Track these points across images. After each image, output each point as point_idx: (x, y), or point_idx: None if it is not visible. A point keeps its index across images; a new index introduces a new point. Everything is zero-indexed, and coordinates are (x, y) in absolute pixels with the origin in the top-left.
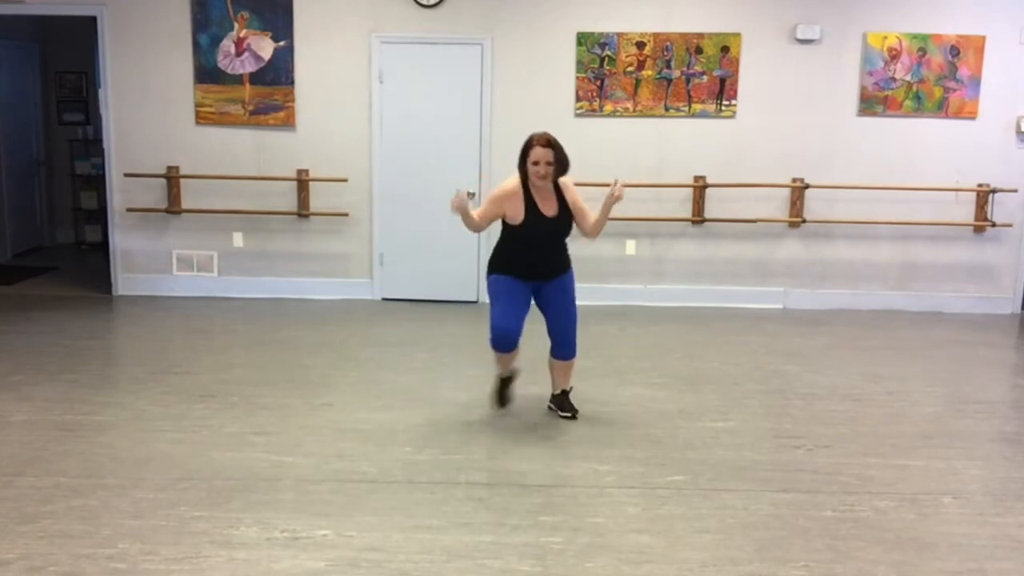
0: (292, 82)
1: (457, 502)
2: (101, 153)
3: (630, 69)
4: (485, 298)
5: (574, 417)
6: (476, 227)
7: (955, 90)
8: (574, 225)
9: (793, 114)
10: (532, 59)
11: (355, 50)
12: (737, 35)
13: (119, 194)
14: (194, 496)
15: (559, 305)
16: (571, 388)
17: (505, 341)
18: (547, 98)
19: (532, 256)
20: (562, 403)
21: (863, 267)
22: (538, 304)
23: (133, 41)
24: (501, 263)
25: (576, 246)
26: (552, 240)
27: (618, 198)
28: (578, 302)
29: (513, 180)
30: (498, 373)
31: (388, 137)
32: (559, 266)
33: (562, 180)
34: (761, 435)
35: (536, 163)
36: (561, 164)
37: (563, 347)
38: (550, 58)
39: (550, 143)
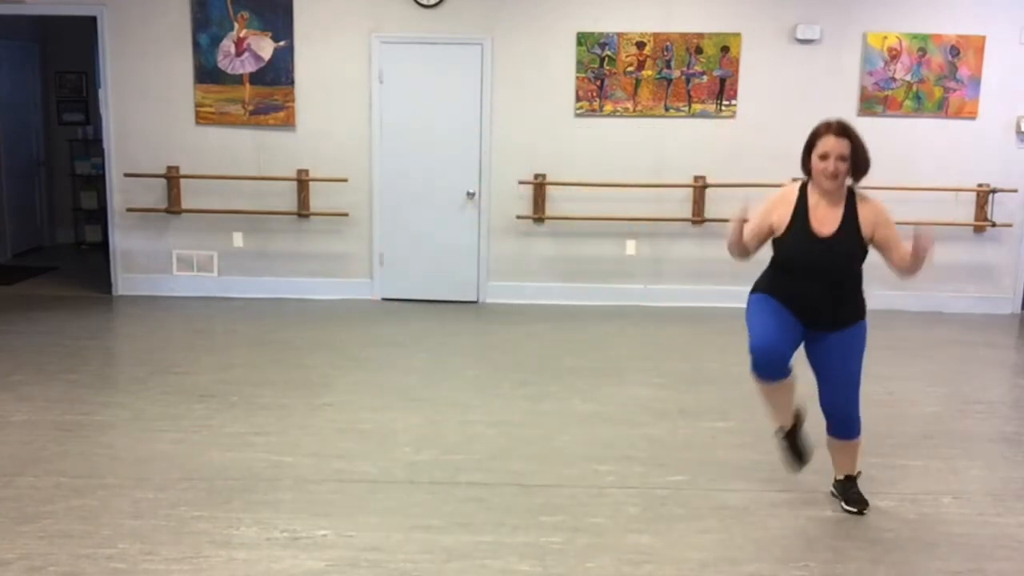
0: (292, 82)
1: (457, 502)
2: (101, 153)
3: (630, 69)
4: (485, 298)
5: (861, 512)
6: (741, 247)
7: (955, 90)
8: (875, 256)
9: (793, 114)
10: (532, 59)
11: (355, 50)
12: (737, 35)
13: (119, 194)
14: (194, 496)
15: (835, 366)
16: (859, 473)
17: (767, 360)
18: (547, 98)
19: (799, 289)
20: (846, 492)
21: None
22: (809, 358)
23: (133, 41)
24: (766, 285)
25: (577, 245)
26: (825, 271)
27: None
28: (579, 302)
29: (792, 185)
30: (776, 428)
31: (388, 137)
32: (842, 314)
33: (863, 194)
34: (761, 435)
35: (825, 156)
36: (861, 161)
37: (838, 423)
38: (550, 58)
39: (845, 131)
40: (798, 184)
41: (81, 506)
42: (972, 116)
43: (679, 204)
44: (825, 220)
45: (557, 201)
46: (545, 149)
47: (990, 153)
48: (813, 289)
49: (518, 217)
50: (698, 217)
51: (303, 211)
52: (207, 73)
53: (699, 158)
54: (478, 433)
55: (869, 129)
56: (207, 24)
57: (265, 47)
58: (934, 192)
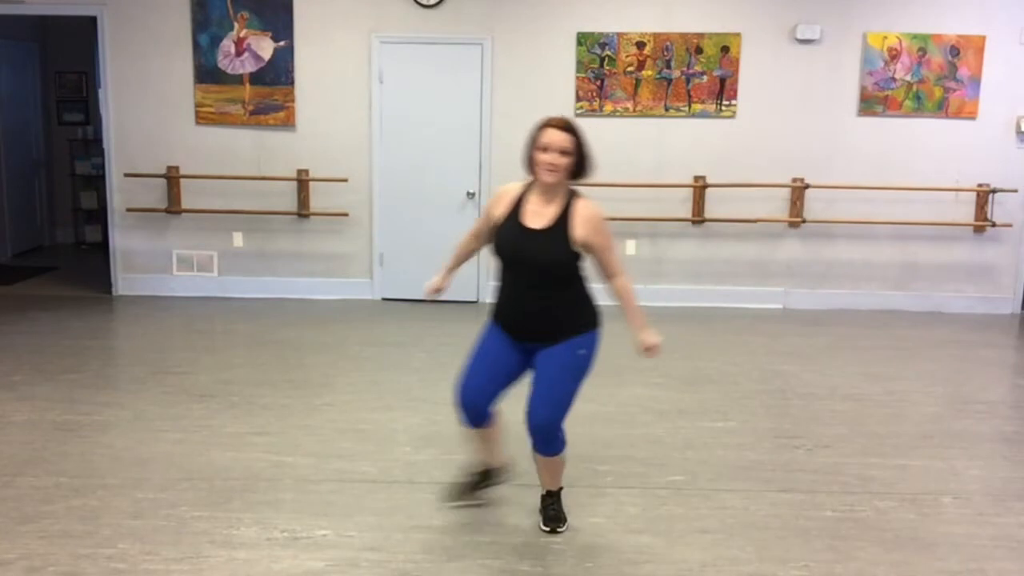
0: (292, 82)
1: (457, 502)
2: (101, 153)
3: (630, 69)
4: (485, 298)
5: (554, 531)
6: (469, 248)
7: (955, 90)
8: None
9: (793, 114)
10: (532, 59)
11: (355, 50)
12: (737, 35)
13: (119, 194)
14: (194, 496)
15: (541, 380)
16: (560, 489)
17: (463, 410)
18: (547, 98)
19: (512, 297)
20: (545, 509)
21: (863, 267)
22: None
23: (133, 41)
24: (495, 304)
25: None
26: (529, 266)
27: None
28: None
29: (516, 183)
30: (469, 461)
31: (388, 137)
32: (557, 325)
33: (582, 203)
34: (761, 435)
35: (546, 149)
36: (581, 159)
37: (538, 436)
38: (550, 58)
39: (569, 127)
40: (522, 182)
41: (81, 506)
42: (972, 116)
43: (679, 204)
44: (538, 214)
45: None
46: None
47: (990, 153)
48: (521, 289)
49: None
50: (698, 217)
51: (303, 211)
52: (207, 73)
53: (699, 158)
54: None
55: (869, 129)
56: (207, 24)
57: (265, 47)
58: (934, 192)
